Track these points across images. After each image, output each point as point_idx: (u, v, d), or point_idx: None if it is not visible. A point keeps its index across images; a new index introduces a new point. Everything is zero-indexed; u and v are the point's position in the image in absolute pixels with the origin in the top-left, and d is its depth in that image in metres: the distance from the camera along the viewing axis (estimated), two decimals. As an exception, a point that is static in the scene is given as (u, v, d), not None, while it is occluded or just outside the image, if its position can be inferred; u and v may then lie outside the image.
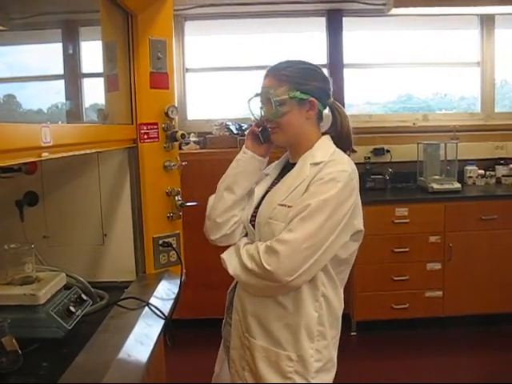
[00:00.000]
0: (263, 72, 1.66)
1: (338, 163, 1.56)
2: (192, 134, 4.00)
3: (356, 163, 1.61)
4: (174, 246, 2.15)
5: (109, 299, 1.80)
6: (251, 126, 1.73)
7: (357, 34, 4.46)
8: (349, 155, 1.67)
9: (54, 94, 1.85)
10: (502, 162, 4.33)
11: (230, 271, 1.62)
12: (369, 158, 4.31)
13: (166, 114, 2.08)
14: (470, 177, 4.27)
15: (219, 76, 4.55)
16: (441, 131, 4.31)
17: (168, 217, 2.13)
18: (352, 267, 1.69)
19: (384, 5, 4.03)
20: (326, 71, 4.40)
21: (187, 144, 3.89)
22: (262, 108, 1.67)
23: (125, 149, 2.06)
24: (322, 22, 4.44)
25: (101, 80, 2.05)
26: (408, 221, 3.73)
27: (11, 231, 1.96)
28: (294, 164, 1.67)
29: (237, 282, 1.70)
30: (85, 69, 2.06)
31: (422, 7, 3.86)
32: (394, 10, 3.88)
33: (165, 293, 1.93)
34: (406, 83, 4.66)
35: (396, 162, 4.33)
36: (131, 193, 2.09)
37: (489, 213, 3.73)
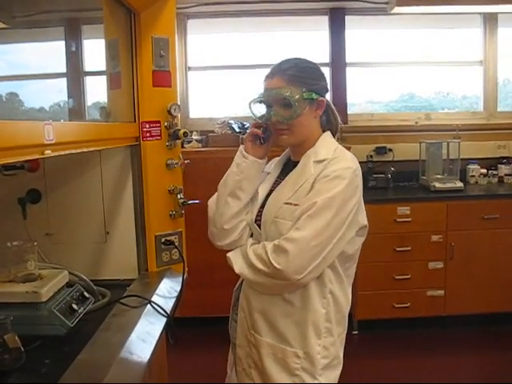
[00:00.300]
0: (265, 70, 1.65)
1: (341, 160, 1.56)
2: (194, 133, 4.00)
3: (358, 162, 1.62)
4: (177, 244, 2.15)
5: (111, 297, 1.80)
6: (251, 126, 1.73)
7: (359, 33, 4.46)
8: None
9: (56, 92, 1.85)
10: (504, 161, 4.32)
11: (236, 270, 1.62)
12: (371, 156, 4.31)
13: (169, 112, 2.07)
14: (473, 176, 4.27)
15: (221, 74, 4.55)
16: (443, 130, 4.31)
17: (170, 215, 2.13)
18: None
19: (386, 3, 4.04)
20: (328, 70, 4.41)
21: (189, 142, 3.88)
22: (270, 110, 1.62)
23: (127, 147, 2.06)
24: (324, 20, 4.44)
25: (103, 78, 2.05)
26: (410, 220, 3.73)
27: (14, 229, 1.96)
28: (296, 162, 1.67)
29: (243, 280, 1.71)
30: (87, 67, 2.05)
31: (425, 6, 3.86)
32: (397, 9, 3.88)
33: (167, 291, 1.93)
34: (409, 82, 4.65)
35: (398, 161, 4.32)
36: (133, 191, 2.09)
37: (491, 212, 3.73)
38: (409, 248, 3.74)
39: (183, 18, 4.37)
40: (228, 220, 1.66)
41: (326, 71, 4.41)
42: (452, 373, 3.27)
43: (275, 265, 1.47)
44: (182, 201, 2.13)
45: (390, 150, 4.35)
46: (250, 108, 1.68)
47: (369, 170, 4.16)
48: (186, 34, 4.43)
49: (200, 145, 3.97)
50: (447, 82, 4.65)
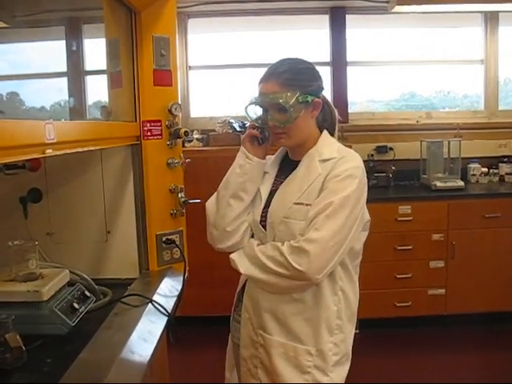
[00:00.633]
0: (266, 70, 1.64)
1: (350, 160, 1.57)
2: (195, 132, 4.00)
3: (361, 159, 1.63)
4: (178, 243, 2.15)
5: (112, 296, 1.81)
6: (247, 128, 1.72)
7: (360, 32, 4.46)
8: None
9: (57, 92, 1.85)
10: (505, 159, 4.32)
11: (242, 271, 1.62)
12: (372, 155, 4.32)
13: (170, 111, 2.08)
14: (474, 175, 4.27)
15: (222, 73, 4.55)
16: (444, 129, 4.31)
17: (171, 214, 2.13)
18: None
19: (387, 2, 4.03)
20: (329, 69, 4.41)
21: (190, 141, 3.89)
22: (266, 113, 1.62)
23: (128, 146, 2.06)
24: (325, 19, 4.44)
25: (104, 77, 2.05)
26: (411, 219, 3.73)
27: (15, 228, 1.96)
28: (297, 161, 1.67)
29: (245, 281, 1.70)
30: (88, 66, 2.05)
31: (425, 5, 3.86)
32: (398, 8, 3.88)
33: (168, 290, 1.93)
34: (409, 81, 4.65)
35: (399, 160, 4.33)
36: (134, 190, 2.09)
37: (492, 211, 3.73)
38: (410, 247, 3.74)
39: (184, 17, 4.37)
40: (230, 222, 1.65)
41: (327, 70, 4.41)
42: (453, 372, 3.26)
43: (296, 266, 1.47)
44: (183, 200, 2.13)
45: (391, 148, 4.35)
46: (245, 112, 1.67)
47: (370, 168, 4.14)
48: (186, 33, 4.43)
49: (201, 144, 3.97)
50: (448, 80, 4.65)
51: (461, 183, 3.93)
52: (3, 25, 1.59)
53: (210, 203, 1.72)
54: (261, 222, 1.66)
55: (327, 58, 4.45)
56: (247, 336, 1.69)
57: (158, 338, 1.56)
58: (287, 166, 1.71)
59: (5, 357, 1.32)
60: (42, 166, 1.92)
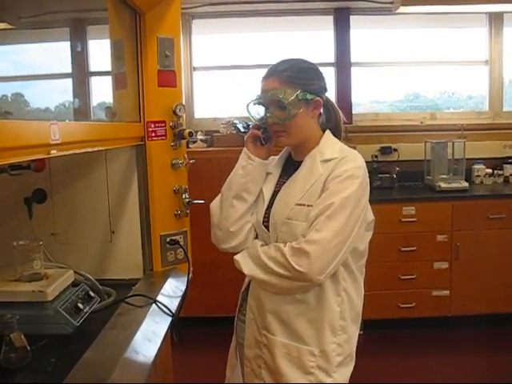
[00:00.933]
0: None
1: (351, 160, 1.57)
2: (199, 133, 4.01)
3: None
4: (182, 243, 2.15)
5: (116, 296, 1.81)
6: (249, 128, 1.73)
7: (364, 33, 4.45)
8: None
9: (61, 93, 1.85)
10: (510, 160, 4.31)
11: (246, 272, 1.63)
12: (376, 156, 4.31)
13: (174, 112, 2.08)
14: (478, 176, 4.25)
15: (226, 74, 4.55)
16: (448, 130, 4.30)
17: (175, 214, 2.14)
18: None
19: (391, 3, 4.03)
20: (333, 70, 4.41)
21: (194, 142, 3.89)
22: (267, 111, 1.63)
23: (132, 147, 2.07)
24: (329, 20, 4.44)
25: (108, 78, 2.05)
26: (415, 220, 3.72)
27: (20, 228, 1.96)
28: (299, 161, 1.67)
29: (250, 281, 1.71)
30: (92, 67, 2.06)
31: (430, 5, 3.85)
32: (402, 9, 3.87)
33: (172, 290, 1.93)
34: (414, 82, 4.64)
35: (403, 161, 4.32)
36: (139, 190, 2.10)
37: (496, 212, 3.72)
38: (414, 248, 3.74)
39: (188, 18, 4.37)
40: (234, 222, 1.66)
41: (331, 71, 4.41)
42: (457, 373, 3.25)
43: (297, 267, 1.48)
44: (187, 200, 2.13)
45: (395, 149, 4.35)
46: (247, 110, 1.68)
47: (374, 169, 4.15)
48: (190, 34, 4.44)
49: (205, 145, 3.97)
50: (452, 81, 4.64)
51: (465, 184, 3.92)
52: (8, 26, 1.59)
53: (215, 204, 1.73)
54: (263, 222, 1.66)
55: (331, 58, 4.45)
56: (252, 336, 1.69)
57: (162, 338, 1.56)
58: (290, 166, 1.71)
59: (9, 356, 1.32)
60: (46, 166, 1.92)
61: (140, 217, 2.10)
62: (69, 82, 1.96)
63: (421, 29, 4.47)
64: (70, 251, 2.03)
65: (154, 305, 1.74)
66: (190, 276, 2.05)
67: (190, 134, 2.11)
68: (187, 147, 2.34)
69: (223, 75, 4.56)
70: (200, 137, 3.96)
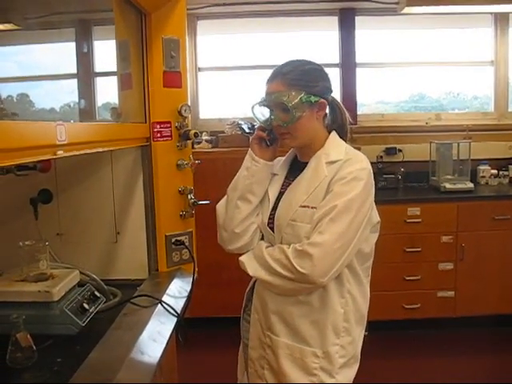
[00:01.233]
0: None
1: (356, 161, 1.56)
2: (204, 133, 4.01)
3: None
4: (187, 244, 2.15)
5: (122, 297, 1.82)
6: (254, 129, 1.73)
7: (369, 33, 4.45)
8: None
9: (66, 93, 1.86)
10: (515, 161, 4.30)
11: (251, 273, 1.63)
12: (381, 157, 4.31)
13: (179, 113, 2.08)
14: (483, 176, 4.24)
15: (231, 75, 4.56)
16: (453, 131, 4.29)
17: (181, 215, 2.14)
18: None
19: (397, 3, 4.02)
20: (338, 70, 4.40)
21: (199, 143, 3.90)
22: (271, 113, 1.63)
23: (138, 147, 2.07)
24: (334, 21, 4.43)
25: (114, 79, 2.06)
26: (420, 220, 3.71)
27: (26, 228, 1.97)
28: (305, 163, 1.67)
29: (255, 282, 1.71)
30: (98, 68, 2.06)
31: (435, 6, 3.83)
32: (407, 9, 3.86)
33: (177, 291, 1.94)
34: (419, 82, 4.63)
35: (408, 162, 4.31)
36: (144, 191, 2.10)
37: (501, 213, 3.70)
38: (419, 249, 3.73)
39: (193, 19, 4.38)
40: (239, 223, 1.66)
41: (336, 72, 4.41)
42: (462, 374, 3.24)
43: (300, 269, 1.48)
44: (192, 201, 2.13)
45: (400, 150, 4.34)
46: (252, 112, 1.68)
47: (379, 170, 4.14)
48: (196, 35, 4.45)
49: (210, 145, 3.97)
50: (458, 82, 4.63)
51: (470, 185, 3.91)
52: (14, 27, 1.60)
53: (220, 205, 1.73)
54: (269, 224, 1.66)
55: (336, 59, 4.44)
56: (256, 337, 1.69)
57: (167, 338, 1.56)
58: (296, 167, 1.71)
59: (16, 356, 1.33)
60: (52, 167, 1.93)
61: (145, 217, 2.11)
62: (74, 82, 1.96)
63: (426, 29, 4.46)
64: (75, 251, 2.04)
65: (159, 305, 1.74)
66: (196, 276, 2.05)
67: (196, 134, 2.11)
68: (192, 148, 2.35)
69: (228, 76, 4.56)
70: (205, 137, 3.97)
